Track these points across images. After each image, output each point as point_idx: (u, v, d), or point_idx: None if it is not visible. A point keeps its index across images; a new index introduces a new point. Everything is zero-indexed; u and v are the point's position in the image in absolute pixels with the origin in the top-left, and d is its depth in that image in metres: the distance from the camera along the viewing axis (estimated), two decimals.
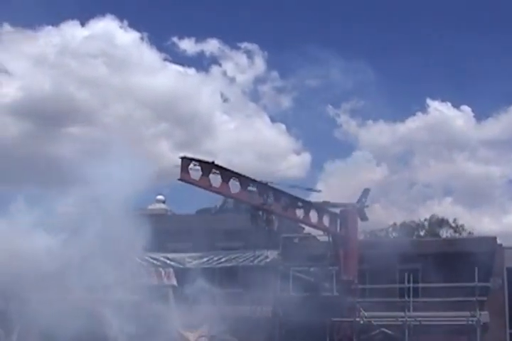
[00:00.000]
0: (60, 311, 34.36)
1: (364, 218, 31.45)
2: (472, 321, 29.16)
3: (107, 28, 71.80)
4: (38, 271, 29.78)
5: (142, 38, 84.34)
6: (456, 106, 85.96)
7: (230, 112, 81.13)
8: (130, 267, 33.31)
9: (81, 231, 30.30)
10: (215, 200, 34.31)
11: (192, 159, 24.46)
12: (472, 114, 77.99)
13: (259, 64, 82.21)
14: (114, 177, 26.76)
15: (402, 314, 29.74)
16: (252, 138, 75.22)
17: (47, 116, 68.08)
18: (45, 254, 29.24)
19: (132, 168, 26.50)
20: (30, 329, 34.13)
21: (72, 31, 72.30)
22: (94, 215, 31.87)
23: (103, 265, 31.48)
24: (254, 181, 26.24)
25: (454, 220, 60.00)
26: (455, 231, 58.58)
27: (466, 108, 76.83)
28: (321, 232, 30.62)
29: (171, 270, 32.99)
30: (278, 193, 27.09)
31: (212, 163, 24.89)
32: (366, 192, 31.54)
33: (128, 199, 29.13)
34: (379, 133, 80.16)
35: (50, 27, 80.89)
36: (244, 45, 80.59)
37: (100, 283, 32.56)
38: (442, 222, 59.57)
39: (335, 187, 67.12)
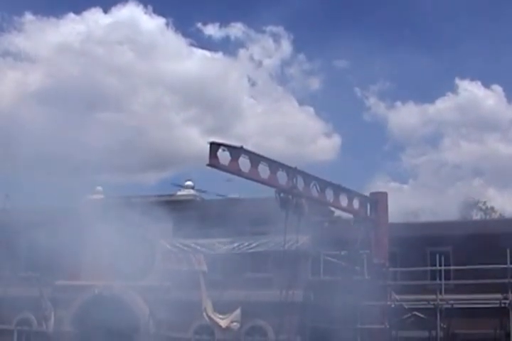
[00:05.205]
0: (93, 296, 34.91)
1: None
2: (504, 303, 28.94)
3: (131, 14, 72.01)
4: None
5: (167, 24, 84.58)
6: (487, 85, 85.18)
7: (258, 96, 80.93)
8: (160, 253, 33.51)
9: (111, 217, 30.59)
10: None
11: (220, 144, 24.27)
12: (503, 94, 77.24)
13: (286, 46, 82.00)
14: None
15: (433, 297, 29.51)
16: (281, 122, 74.94)
17: (74, 103, 68.18)
18: None
19: None
20: (64, 315, 34.58)
21: (96, 18, 72.64)
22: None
23: (134, 251, 31.74)
24: (283, 165, 26.10)
25: (484, 203, 59.67)
26: (485, 214, 58.19)
27: (497, 87, 76.04)
28: (351, 216, 30.45)
29: (202, 256, 33.08)
30: (308, 177, 26.95)
31: (241, 147, 24.71)
32: None
33: None
34: (408, 114, 79.69)
35: (72, 15, 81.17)
36: (269, 28, 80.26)
37: (131, 270, 32.85)
38: (473, 204, 59.18)
39: None
